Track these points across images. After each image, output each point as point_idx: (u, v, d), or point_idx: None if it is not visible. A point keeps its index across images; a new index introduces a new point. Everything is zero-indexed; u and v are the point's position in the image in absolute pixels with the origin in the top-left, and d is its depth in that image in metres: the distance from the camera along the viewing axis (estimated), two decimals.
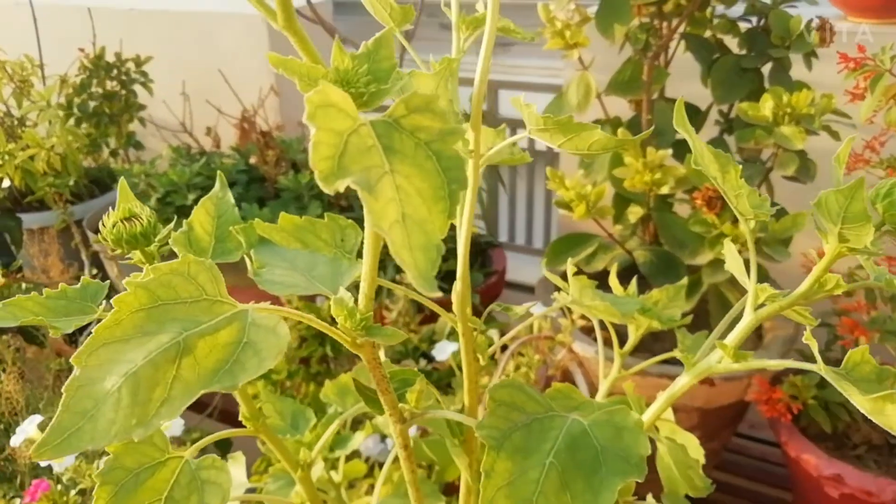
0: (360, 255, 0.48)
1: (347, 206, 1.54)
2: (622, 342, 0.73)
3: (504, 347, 1.15)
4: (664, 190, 1.19)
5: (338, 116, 0.25)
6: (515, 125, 2.00)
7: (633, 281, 0.74)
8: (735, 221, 1.22)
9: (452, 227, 0.33)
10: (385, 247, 0.26)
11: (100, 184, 1.80)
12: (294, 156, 1.61)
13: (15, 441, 0.94)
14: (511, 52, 2.44)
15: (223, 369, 0.31)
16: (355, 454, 0.98)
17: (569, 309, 1.13)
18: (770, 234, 1.18)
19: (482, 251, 1.62)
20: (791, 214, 1.16)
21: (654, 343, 1.38)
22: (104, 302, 0.48)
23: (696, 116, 1.44)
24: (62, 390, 0.31)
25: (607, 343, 1.35)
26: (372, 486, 1.14)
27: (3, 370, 1.11)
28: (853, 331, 1.24)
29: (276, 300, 0.40)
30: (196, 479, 0.44)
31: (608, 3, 1.23)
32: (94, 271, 1.40)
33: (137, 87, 1.75)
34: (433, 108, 0.27)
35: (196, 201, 1.34)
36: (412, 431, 0.78)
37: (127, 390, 0.31)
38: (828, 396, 1.29)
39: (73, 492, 0.92)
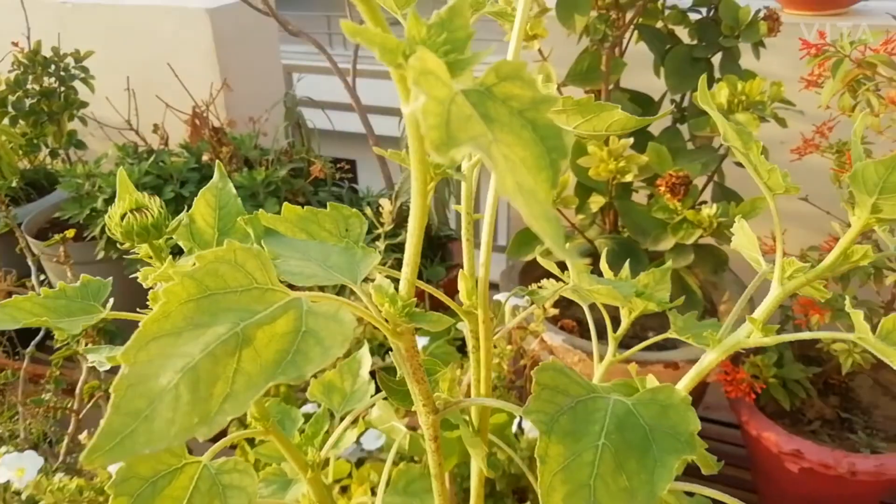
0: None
1: (305, 202, 1.51)
2: (599, 330, 0.73)
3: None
4: (628, 178, 1.21)
5: (437, 84, 0.23)
6: None
7: (626, 265, 0.74)
8: (696, 207, 1.25)
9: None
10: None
11: (37, 186, 1.71)
12: (247, 152, 1.56)
13: None
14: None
15: (285, 360, 0.30)
16: None
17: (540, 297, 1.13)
18: (730, 218, 1.21)
19: (442, 245, 1.61)
20: (750, 199, 1.19)
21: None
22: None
23: (649, 106, 1.47)
24: (111, 390, 0.29)
25: (575, 331, 1.35)
26: (346, 487, 1.12)
27: None
28: (808, 311, 1.29)
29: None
30: (217, 485, 0.41)
31: None
32: (42, 277, 1.32)
33: (77, 84, 1.67)
34: (523, 76, 0.25)
35: None
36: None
37: (185, 386, 0.28)
38: (786, 375, 1.34)
39: None
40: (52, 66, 1.63)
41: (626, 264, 0.74)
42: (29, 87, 1.60)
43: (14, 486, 0.91)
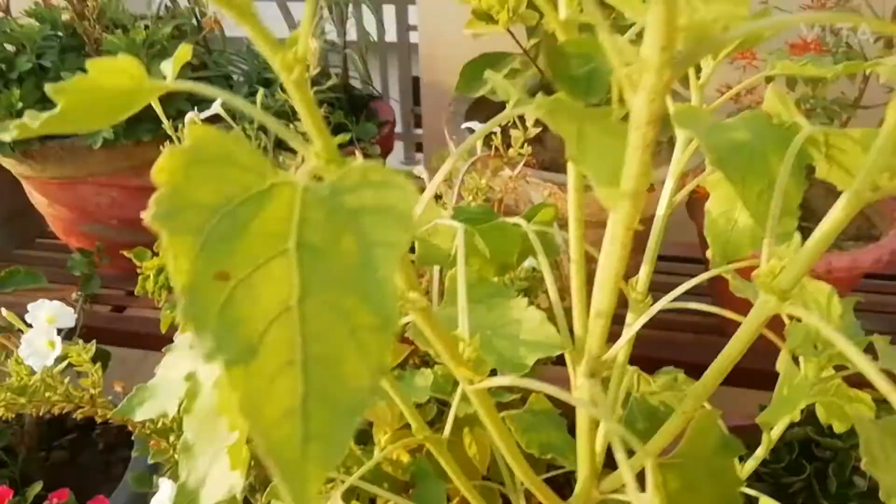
0: None
1: (200, 64, 1.26)
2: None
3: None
4: None
5: None
6: None
7: None
8: None
9: None
10: None
11: None
12: (113, 16, 1.27)
13: None
14: None
15: None
16: None
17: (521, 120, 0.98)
18: None
19: (364, 104, 1.41)
20: None
21: None
22: None
23: None
24: None
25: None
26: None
27: None
28: None
29: None
30: (340, 209, 0.23)
31: None
32: None
33: None
34: None
35: None
36: None
37: None
38: None
39: None
40: None
41: None
42: None
43: None
